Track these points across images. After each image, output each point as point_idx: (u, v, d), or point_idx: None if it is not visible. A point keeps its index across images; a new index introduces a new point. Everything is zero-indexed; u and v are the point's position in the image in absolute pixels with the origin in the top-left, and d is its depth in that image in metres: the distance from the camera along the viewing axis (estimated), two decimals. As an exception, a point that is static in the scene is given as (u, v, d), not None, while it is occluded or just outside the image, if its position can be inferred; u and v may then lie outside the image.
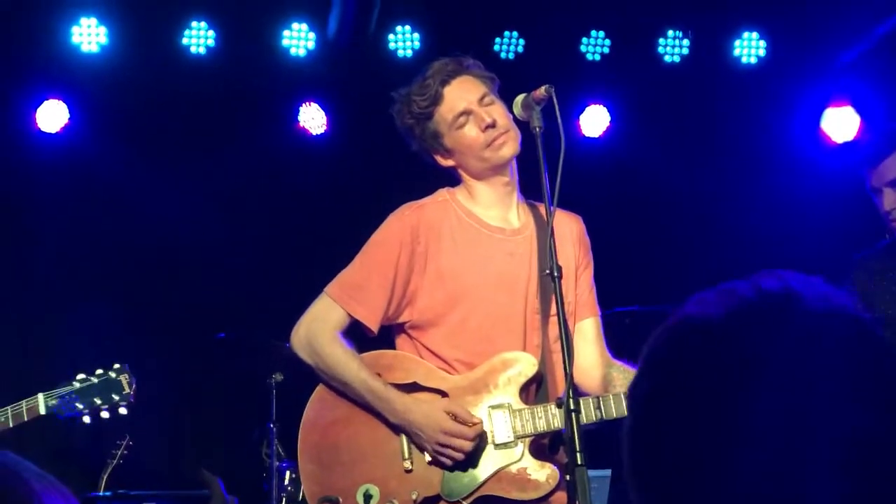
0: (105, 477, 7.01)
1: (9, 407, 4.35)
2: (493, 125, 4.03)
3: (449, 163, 4.16)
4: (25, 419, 4.32)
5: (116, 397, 4.39)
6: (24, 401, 4.35)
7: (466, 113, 4.06)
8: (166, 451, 7.77)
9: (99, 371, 4.41)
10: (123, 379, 4.42)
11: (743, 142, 8.01)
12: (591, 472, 6.18)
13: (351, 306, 4.05)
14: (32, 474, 1.61)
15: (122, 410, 4.42)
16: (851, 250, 6.09)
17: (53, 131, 7.71)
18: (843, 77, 7.92)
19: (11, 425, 4.33)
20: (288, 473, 6.84)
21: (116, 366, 4.45)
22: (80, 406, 4.36)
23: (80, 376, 4.40)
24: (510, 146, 4.05)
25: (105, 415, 4.40)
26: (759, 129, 8.02)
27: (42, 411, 4.34)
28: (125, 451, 7.16)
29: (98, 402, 4.37)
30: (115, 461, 7.12)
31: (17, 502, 1.54)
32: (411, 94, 4.13)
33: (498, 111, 4.07)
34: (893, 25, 7.35)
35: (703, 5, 7.81)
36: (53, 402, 4.35)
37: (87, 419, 4.39)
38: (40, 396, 4.35)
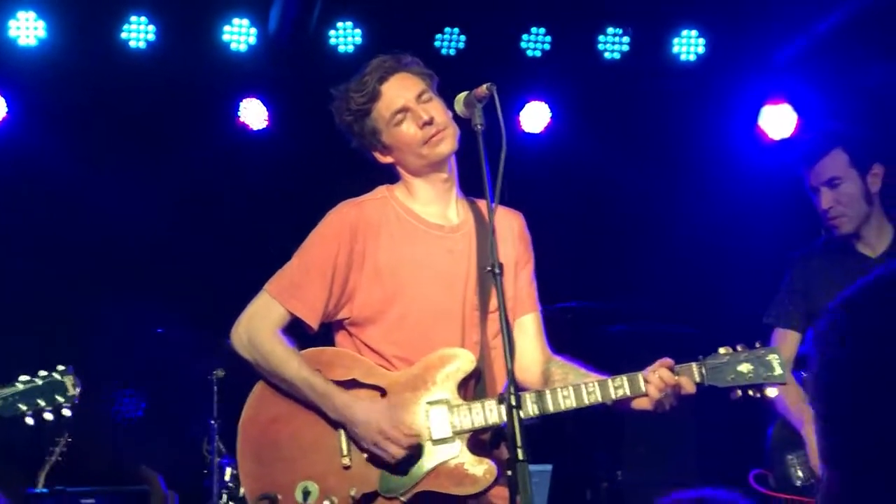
0: (43, 474, 6.96)
1: None
2: (430, 122, 4.04)
3: (387, 160, 4.17)
4: None
5: (61, 399, 4.31)
6: None
7: (404, 110, 4.07)
8: (107, 447, 7.70)
9: (43, 373, 4.33)
10: (68, 381, 4.33)
11: (681, 138, 8.07)
12: (533, 467, 6.22)
13: (291, 303, 4.05)
14: None
15: (66, 412, 4.33)
16: (788, 246, 6.16)
17: None
18: (781, 75, 7.98)
19: None
20: (229, 470, 6.81)
21: (61, 367, 4.36)
22: (23, 407, 4.28)
23: (23, 378, 4.32)
24: (447, 143, 4.07)
25: (48, 416, 4.32)
26: (697, 125, 8.07)
27: None
28: (64, 449, 7.11)
29: (41, 403, 4.29)
30: (53, 458, 7.06)
31: None
32: (349, 91, 4.13)
33: (436, 108, 4.08)
34: (830, 24, 7.42)
35: (642, 3, 7.84)
36: None
37: (29, 420, 4.30)
38: None
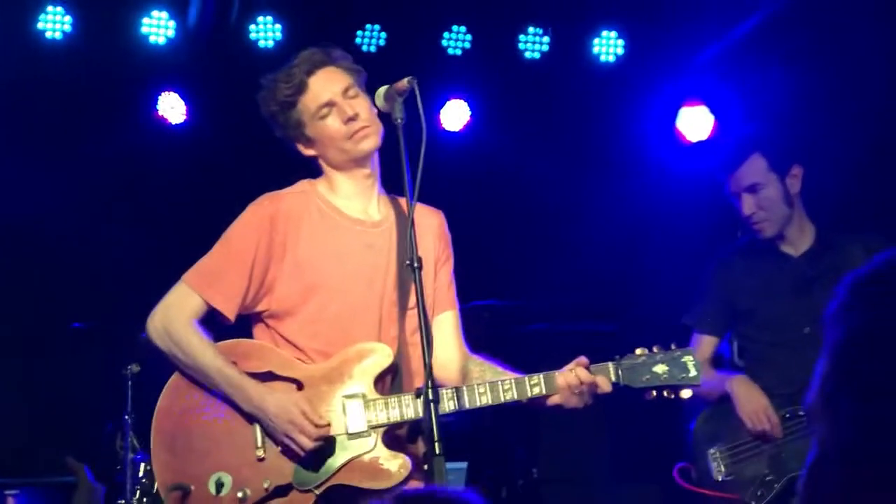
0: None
1: None
2: (354, 118, 4.07)
3: (310, 152, 4.18)
4: None
5: None
6: None
7: (329, 104, 4.08)
8: (23, 441, 7.61)
9: None
10: None
11: (600, 139, 8.12)
12: (448, 465, 6.21)
13: (208, 294, 4.04)
14: None
15: None
16: (705, 245, 6.23)
17: None
18: (698, 77, 8.06)
19: None
20: (143, 466, 6.76)
21: None
22: None
23: None
24: (371, 140, 4.09)
25: None
26: (616, 126, 8.14)
27: None
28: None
29: None
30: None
31: None
32: (277, 81, 4.14)
33: (361, 104, 4.10)
34: (747, 27, 7.50)
35: (563, 3, 7.90)
36: None
37: None
38: None
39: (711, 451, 5.39)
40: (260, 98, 4.20)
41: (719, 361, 5.74)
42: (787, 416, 5.26)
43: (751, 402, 5.28)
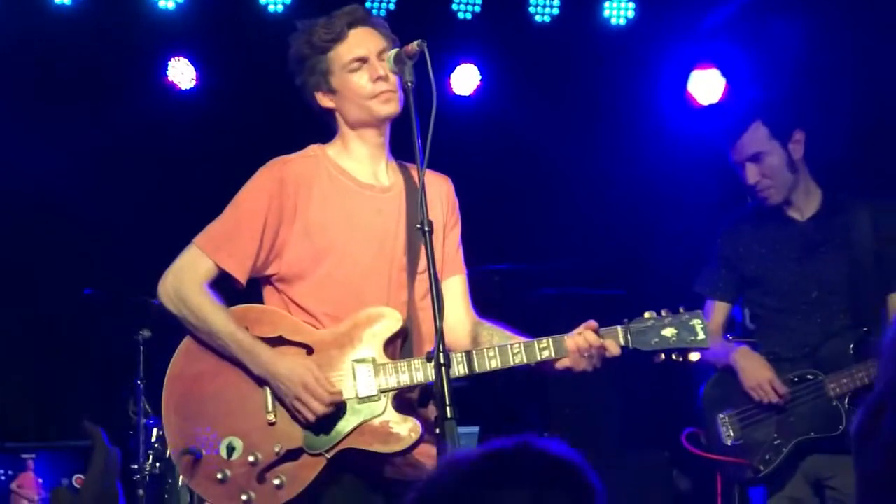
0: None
1: None
2: (384, 79, 4.06)
3: (328, 104, 4.18)
4: None
5: None
6: None
7: (363, 60, 4.09)
8: (39, 407, 7.66)
9: None
10: None
11: (611, 102, 8.10)
12: (460, 429, 6.24)
13: (219, 257, 4.05)
14: None
15: None
16: (715, 210, 6.22)
17: None
18: (709, 40, 8.03)
19: None
20: (155, 431, 6.80)
21: None
22: None
23: None
24: (393, 105, 4.08)
25: None
26: (626, 90, 8.11)
27: None
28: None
29: None
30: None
31: None
32: (317, 26, 4.13)
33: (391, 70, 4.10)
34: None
35: None
36: None
37: None
38: None
39: (721, 415, 5.42)
40: (294, 39, 4.19)
41: (731, 325, 5.75)
42: (795, 379, 5.28)
43: (754, 374, 5.30)
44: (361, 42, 4.10)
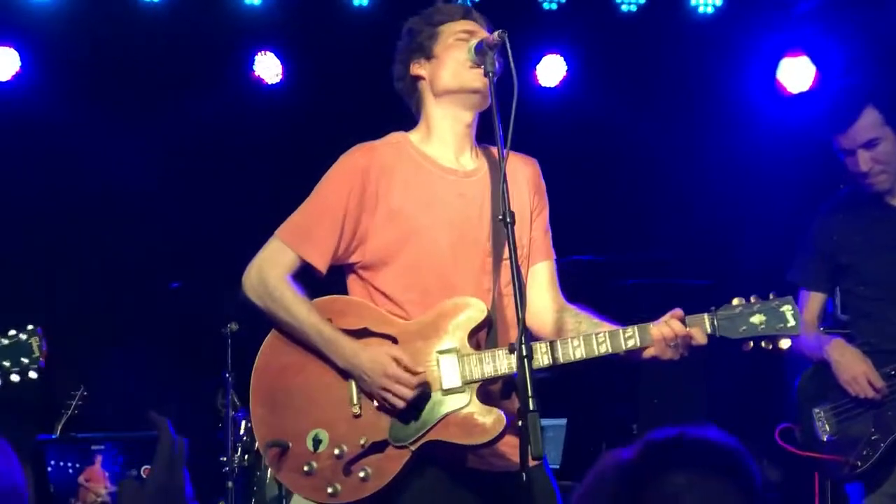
0: (60, 425, 7.03)
1: None
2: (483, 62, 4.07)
3: (421, 72, 4.19)
4: None
5: (26, 360, 4.25)
6: None
7: (471, 33, 4.12)
8: (124, 400, 7.76)
9: (11, 332, 4.27)
10: (34, 342, 4.26)
11: (699, 92, 8.07)
12: (547, 421, 6.19)
13: (301, 248, 4.06)
14: None
15: (32, 374, 4.25)
16: (804, 199, 6.13)
17: (4, 79, 7.68)
18: (799, 27, 7.96)
19: None
20: (243, 423, 6.89)
21: (30, 327, 4.28)
22: None
23: None
24: (484, 82, 4.03)
25: (15, 378, 4.25)
26: (715, 79, 8.08)
27: None
28: (80, 401, 7.18)
29: (7, 364, 4.22)
30: (70, 411, 7.14)
31: None
32: (439, 6, 4.25)
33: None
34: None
35: None
36: None
37: None
38: None
39: (816, 410, 5.31)
40: (416, 18, 4.27)
41: (823, 316, 5.67)
42: (893, 372, 5.17)
43: (850, 368, 5.20)
44: (472, 25, 4.15)
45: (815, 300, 5.46)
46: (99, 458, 6.19)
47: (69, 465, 6.15)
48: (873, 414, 5.17)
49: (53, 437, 6.31)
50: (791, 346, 4.94)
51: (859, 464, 5.14)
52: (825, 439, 5.25)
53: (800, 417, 5.38)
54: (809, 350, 5.32)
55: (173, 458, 1.61)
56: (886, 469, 5.14)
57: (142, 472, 6.19)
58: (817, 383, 5.34)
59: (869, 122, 5.23)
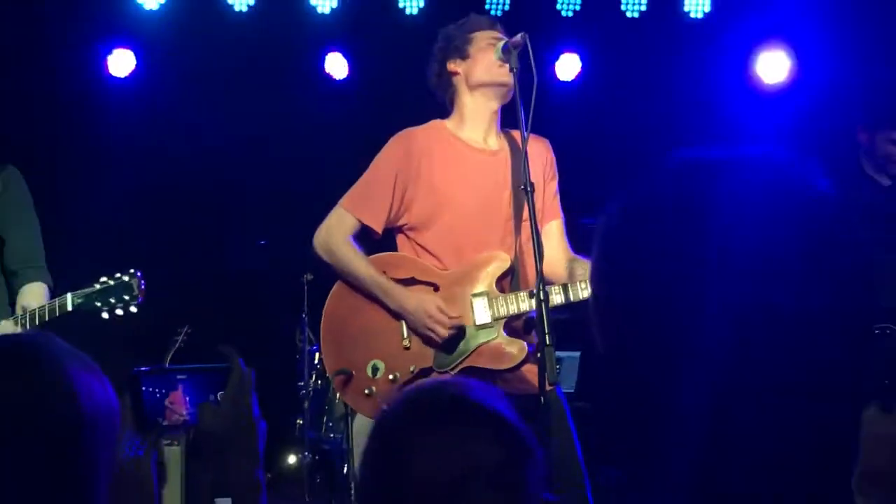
0: (168, 356, 7.09)
1: (45, 303, 4.27)
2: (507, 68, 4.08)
3: (457, 68, 4.20)
4: (57, 314, 4.22)
5: (127, 297, 4.26)
6: (56, 299, 4.27)
7: (500, 40, 4.12)
8: (213, 337, 7.79)
9: (117, 275, 4.29)
10: (134, 283, 4.27)
11: (692, 85, 7.96)
12: (563, 354, 6.19)
13: (360, 214, 4.11)
14: (65, 352, 1.55)
15: (133, 309, 4.27)
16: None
17: (122, 76, 7.70)
18: (780, 20, 7.80)
19: (47, 319, 4.22)
20: (317, 355, 6.91)
21: (131, 271, 4.29)
22: (99, 304, 4.25)
23: (102, 279, 4.29)
24: (511, 78, 4.03)
25: (119, 312, 4.27)
26: (709, 74, 7.95)
27: (69, 308, 4.24)
28: (185, 337, 7.23)
29: (113, 301, 4.24)
30: (176, 346, 7.19)
31: (50, 376, 1.50)
32: (473, 17, 4.29)
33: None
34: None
35: None
36: (79, 300, 4.24)
37: (104, 315, 4.26)
38: (69, 295, 4.26)
39: None
40: (452, 27, 4.28)
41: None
42: (877, 331, 4.71)
43: None
44: (498, 33, 4.18)
45: None
46: (181, 386, 6.21)
47: (158, 391, 6.18)
48: None
49: (146, 368, 6.32)
50: None
51: None
52: None
53: None
54: None
55: (243, 384, 1.63)
56: None
57: (217, 397, 6.24)
58: None
59: None
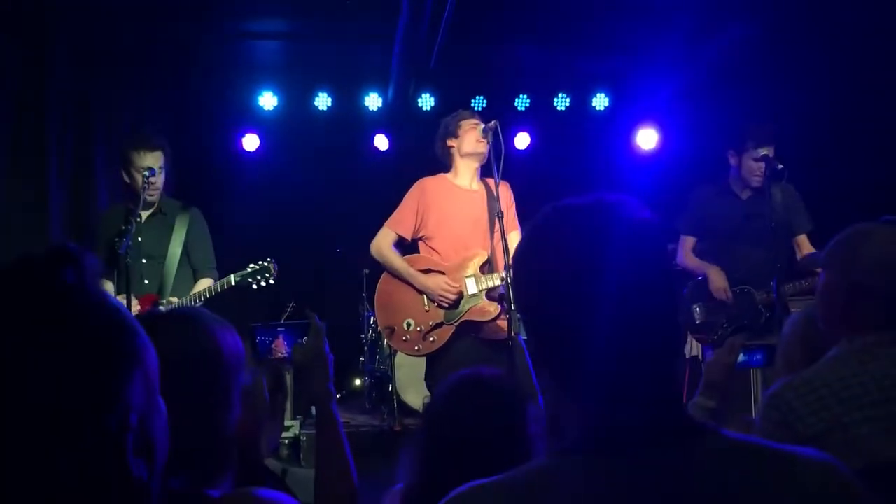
0: (284, 318, 7.00)
1: (217, 282, 4.24)
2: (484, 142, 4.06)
3: (453, 143, 4.16)
4: (225, 288, 4.17)
5: (267, 276, 4.21)
6: (223, 279, 4.25)
7: (478, 124, 4.09)
8: (310, 307, 7.64)
9: (260, 262, 4.23)
10: (271, 267, 4.22)
11: (598, 152, 7.68)
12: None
13: (397, 229, 4.12)
14: (210, 318, 1.46)
15: (271, 282, 4.22)
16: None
17: (251, 150, 7.61)
18: (650, 112, 7.65)
19: (217, 292, 4.18)
20: (371, 318, 6.91)
21: (269, 259, 4.24)
22: (249, 280, 4.21)
23: (251, 265, 4.24)
24: (485, 149, 4.03)
25: (263, 285, 4.21)
26: (607, 145, 7.73)
27: (233, 283, 4.21)
28: (291, 310, 7.19)
29: (259, 278, 4.20)
30: (286, 314, 7.15)
31: (203, 333, 1.42)
32: (462, 112, 4.18)
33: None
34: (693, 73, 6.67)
35: (576, 78, 7.51)
36: (238, 279, 4.21)
37: (254, 287, 4.21)
38: (232, 276, 4.23)
39: (694, 305, 4.63)
40: (448, 118, 4.19)
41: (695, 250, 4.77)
42: (737, 290, 4.53)
43: (716, 283, 4.53)
44: (477, 120, 4.10)
45: (688, 242, 4.74)
46: (281, 335, 6.12)
47: (266, 339, 6.11)
48: (726, 311, 4.53)
49: (259, 324, 6.24)
50: (680, 266, 4.49)
51: (715, 338, 4.53)
52: (698, 322, 4.64)
53: (685, 309, 4.70)
54: (694, 270, 4.66)
55: (318, 332, 1.67)
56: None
57: (303, 341, 6.18)
58: (696, 290, 4.68)
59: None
